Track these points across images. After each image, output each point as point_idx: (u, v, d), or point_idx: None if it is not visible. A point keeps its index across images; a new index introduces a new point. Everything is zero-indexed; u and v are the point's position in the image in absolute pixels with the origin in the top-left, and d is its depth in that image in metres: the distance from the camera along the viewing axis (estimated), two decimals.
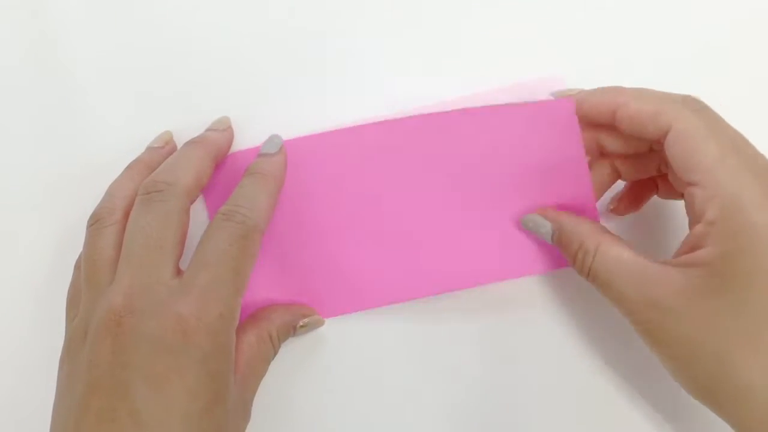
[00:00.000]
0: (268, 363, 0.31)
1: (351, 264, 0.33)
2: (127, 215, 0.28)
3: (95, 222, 0.29)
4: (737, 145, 0.26)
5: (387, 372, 0.34)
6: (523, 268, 0.33)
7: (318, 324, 0.33)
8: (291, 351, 0.33)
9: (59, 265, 0.34)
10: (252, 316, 0.31)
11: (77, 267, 0.31)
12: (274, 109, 0.35)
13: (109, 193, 0.30)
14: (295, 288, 0.33)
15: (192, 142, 0.31)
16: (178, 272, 0.27)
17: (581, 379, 0.33)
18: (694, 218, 0.27)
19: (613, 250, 0.28)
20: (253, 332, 0.30)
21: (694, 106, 0.28)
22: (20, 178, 0.35)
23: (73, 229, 0.34)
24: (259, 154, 0.31)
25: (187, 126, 0.34)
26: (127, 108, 0.35)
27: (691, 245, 0.27)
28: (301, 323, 0.32)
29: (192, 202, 0.29)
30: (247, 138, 0.34)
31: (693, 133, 0.26)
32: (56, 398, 0.26)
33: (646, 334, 0.27)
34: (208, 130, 0.33)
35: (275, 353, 0.31)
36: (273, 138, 0.32)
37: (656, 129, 0.27)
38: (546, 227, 0.31)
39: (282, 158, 0.31)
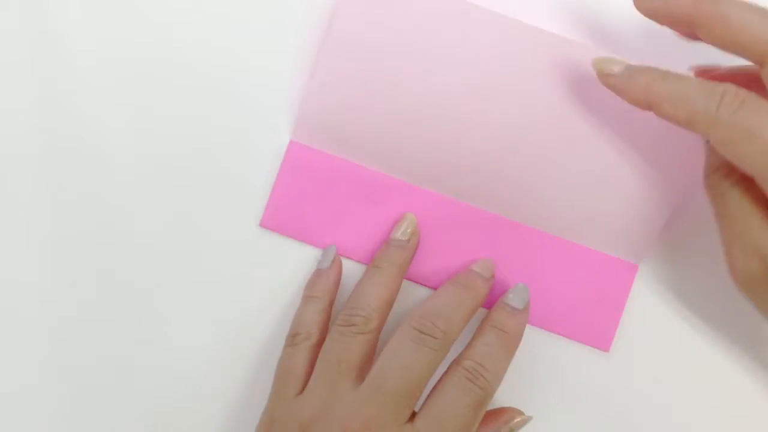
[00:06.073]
0: None
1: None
2: (318, 336, 0.31)
3: (293, 338, 0.32)
4: None
5: None
6: None
7: (525, 422, 0.31)
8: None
9: (59, 264, 0.34)
10: None
11: None
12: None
13: (301, 314, 0.32)
14: None
15: (375, 268, 0.32)
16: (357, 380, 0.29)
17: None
18: None
19: None
20: None
21: None
22: (20, 176, 0.35)
23: (73, 227, 0.34)
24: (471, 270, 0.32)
25: (189, 125, 0.34)
26: (128, 107, 0.34)
27: None
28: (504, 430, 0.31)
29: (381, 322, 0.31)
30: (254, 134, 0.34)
31: None
32: None
33: None
34: (393, 244, 0.32)
35: None
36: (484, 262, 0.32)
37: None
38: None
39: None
